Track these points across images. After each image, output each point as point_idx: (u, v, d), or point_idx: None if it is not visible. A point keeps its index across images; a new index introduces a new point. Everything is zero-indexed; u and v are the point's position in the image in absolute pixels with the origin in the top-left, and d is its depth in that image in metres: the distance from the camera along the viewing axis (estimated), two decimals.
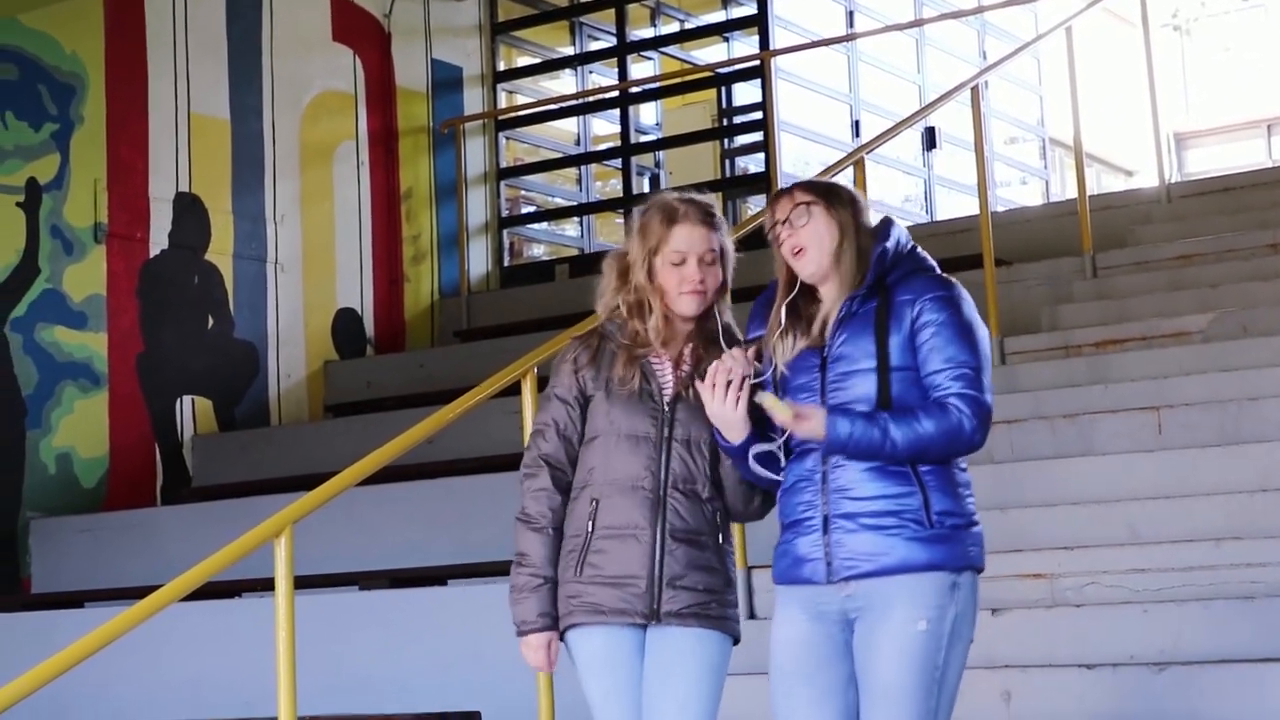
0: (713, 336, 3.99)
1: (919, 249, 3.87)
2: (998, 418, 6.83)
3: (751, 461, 3.80)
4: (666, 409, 3.94)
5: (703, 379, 3.82)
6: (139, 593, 5.21)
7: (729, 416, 3.75)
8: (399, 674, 6.49)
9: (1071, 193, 9.67)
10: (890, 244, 3.80)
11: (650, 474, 3.92)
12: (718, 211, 4.06)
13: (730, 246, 4.06)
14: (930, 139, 12.40)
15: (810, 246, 3.78)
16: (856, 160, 7.68)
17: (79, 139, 8.85)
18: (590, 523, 3.93)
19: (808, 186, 3.87)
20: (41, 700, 4.53)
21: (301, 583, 5.21)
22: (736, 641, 4.00)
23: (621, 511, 3.91)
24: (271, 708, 4.82)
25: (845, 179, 9.53)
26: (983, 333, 3.76)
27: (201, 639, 6.97)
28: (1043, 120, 14.18)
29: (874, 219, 3.87)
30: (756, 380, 3.76)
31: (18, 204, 8.57)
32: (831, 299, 3.79)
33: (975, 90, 8.28)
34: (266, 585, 5.19)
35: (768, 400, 3.68)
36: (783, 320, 3.80)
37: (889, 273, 3.78)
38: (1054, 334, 7.79)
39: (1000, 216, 9.49)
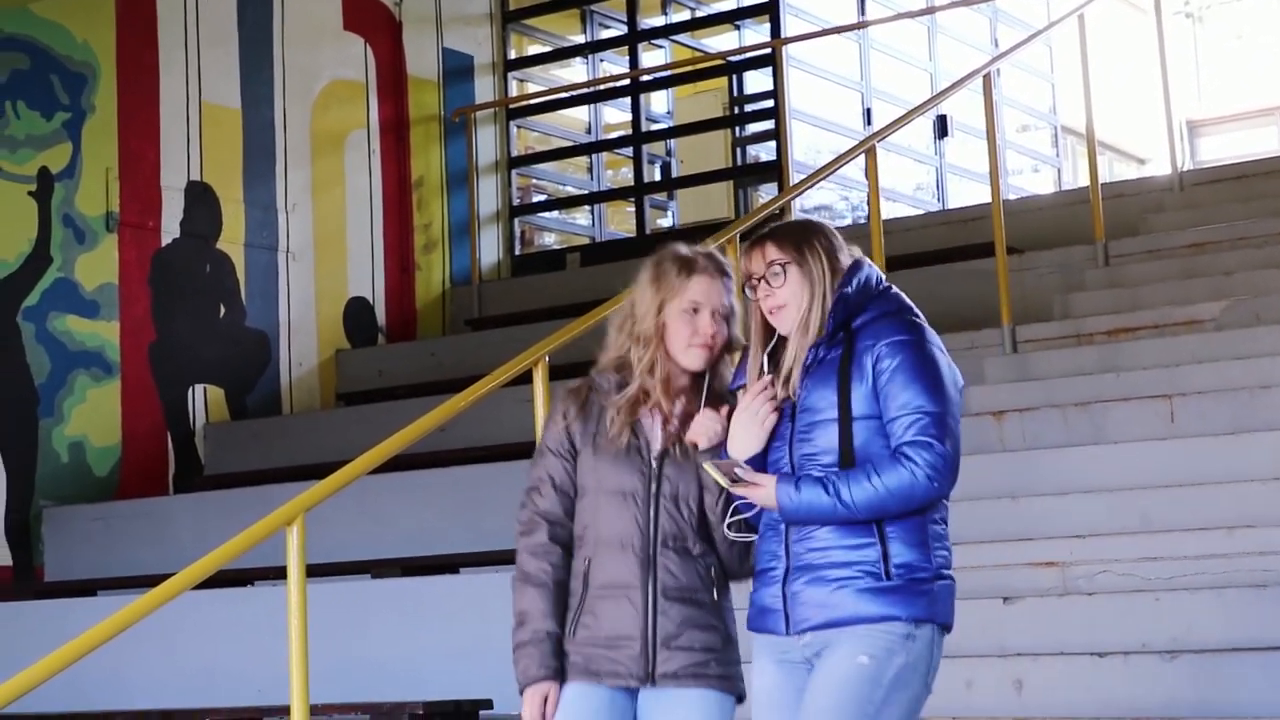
0: (710, 395, 3.89)
1: (893, 290, 3.78)
2: (1010, 406, 6.90)
3: (726, 530, 3.77)
4: (654, 464, 3.84)
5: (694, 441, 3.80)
6: (151, 581, 5.22)
7: (750, 441, 3.72)
8: (411, 661, 6.50)
9: (1083, 181, 9.66)
10: (851, 289, 3.70)
11: (639, 531, 3.80)
12: (730, 269, 3.97)
13: (738, 308, 3.96)
14: (942, 127, 12.39)
15: (789, 305, 3.72)
16: (868, 148, 7.67)
17: (90, 128, 8.86)
18: (583, 582, 3.84)
19: (781, 240, 3.77)
20: (56, 687, 4.54)
21: (314, 571, 5.22)
22: (741, 700, 3.88)
23: (612, 570, 3.81)
24: (284, 695, 4.83)
25: (857, 167, 9.54)
26: (946, 375, 3.66)
27: (214, 627, 6.98)
28: (1055, 108, 14.16)
29: (848, 258, 3.77)
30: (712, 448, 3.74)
31: (30, 193, 8.58)
32: (795, 348, 3.72)
33: (987, 78, 8.26)
34: (279, 573, 5.20)
35: (710, 469, 3.65)
36: (764, 368, 3.74)
37: (854, 317, 3.71)
38: (1066, 322, 7.78)
39: (1012, 204, 9.48)
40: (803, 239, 3.77)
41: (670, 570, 3.80)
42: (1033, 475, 6.41)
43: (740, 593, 3.86)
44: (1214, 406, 6.48)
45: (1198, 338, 7.17)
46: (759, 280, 3.76)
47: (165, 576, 4.74)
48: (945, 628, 3.64)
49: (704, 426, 3.79)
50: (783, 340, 3.76)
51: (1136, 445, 6.35)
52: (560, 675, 3.80)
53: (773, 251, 3.75)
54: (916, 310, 3.76)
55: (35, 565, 8.39)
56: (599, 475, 3.84)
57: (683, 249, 3.95)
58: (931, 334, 3.70)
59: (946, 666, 4.98)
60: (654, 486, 3.83)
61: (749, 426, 3.72)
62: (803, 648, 3.64)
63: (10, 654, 6.39)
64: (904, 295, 3.78)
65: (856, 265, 3.76)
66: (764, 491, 3.62)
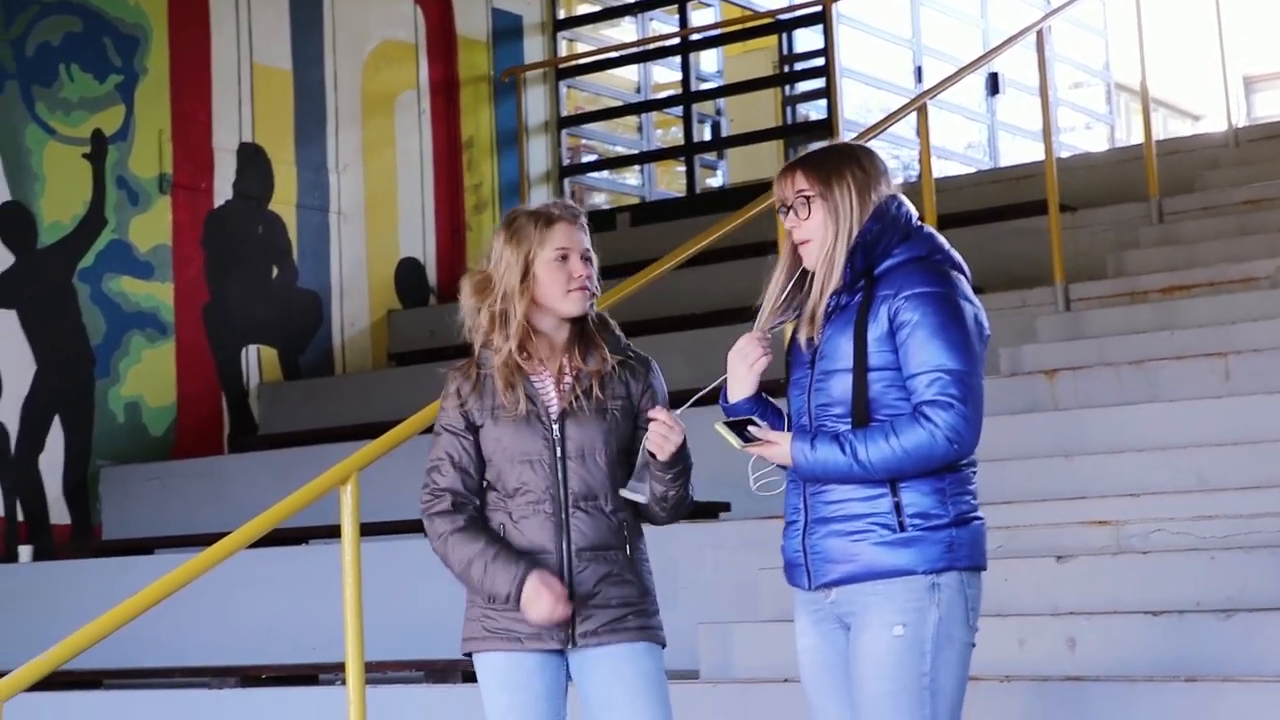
0: (592, 342, 3.89)
1: (925, 230, 3.62)
2: (1063, 364, 6.88)
3: (753, 486, 3.74)
4: (555, 427, 3.83)
5: (586, 394, 3.79)
6: (207, 539, 5.27)
7: (739, 385, 3.66)
8: (463, 620, 6.51)
9: (1137, 138, 9.59)
10: (870, 236, 3.55)
11: (549, 494, 3.81)
12: (584, 215, 4.02)
13: (594, 257, 3.99)
14: (994, 84, 12.31)
15: (814, 238, 3.60)
16: (919, 106, 7.63)
17: (143, 90, 8.90)
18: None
19: (810, 170, 3.62)
20: (114, 643, 4.60)
21: (367, 530, 5.25)
22: (664, 646, 3.89)
23: (528, 534, 3.80)
24: (339, 653, 4.87)
25: (908, 125, 9.49)
26: (971, 330, 3.52)
27: (269, 585, 7.04)
28: (1108, 64, 14.05)
29: (883, 191, 3.60)
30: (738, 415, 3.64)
31: (84, 155, 8.64)
32: (818, 290, 3.61)
33: (1040, 34, 8.20)
34: (333, 532, 5.23)
35: (720, 430, 3.59)
36: (780, 297, 3.66)
37: (878, 261, 3.56)
38: (1120, 280, 7.73)
39: (1065, 162, 9.42)
40: (833, 170, 3.61)
41: (582, 530, 3.81)
42: (1086, 434, 6.39)
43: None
44: (1270, 364, 6.43)
45: (1253, 295, 7.12)
46: (788, 209, 3.64)
47: (221, 535, 4.78)
48: (976, 569, 3.54)
49: (659, 435, 3.70)
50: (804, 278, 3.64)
51: (1191, 403, 6.31)
52: (535, 564, 3.77)
53: (800, 180, 3.62)
54: (950, 253, 3.62)
55: (93, 524, 8.47)
56: (503, 444, 3.85)
57: (532, 205, 4.01)
58: (959, 282, 3.56)
59: (998, 626, 4.99)
60: (558, 449, 3.83)
61: (737, 368, 3.66)
62: (830, 605, 3.57)
63: (69, 611, 6.45)
64: (938, 236, 3.65)
65: (885, 205, 3.59)
66: (778, 449, 3.55)
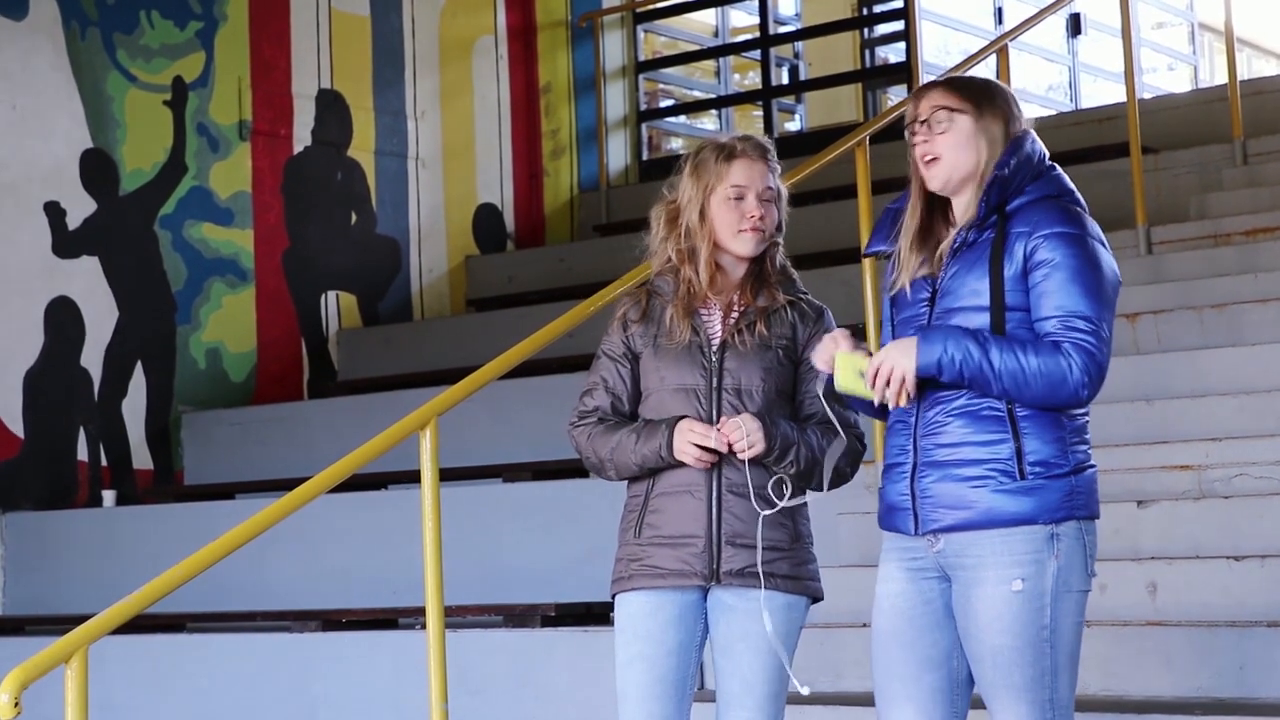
0: (766, 282, 3.85)
1: (1055, 170, 3.51)
2: (1145, 308, 6.81)
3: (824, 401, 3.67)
4: (714, 358, 3.80)
5: (749, 328, 3.76)
6: (288, 485, 5.30)
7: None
8: (542, 565, 6.56)
9: (1221, 79, 9.45)
10: (1009, 170, 3.42)
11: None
12: (773, 151, 3.92)
13: (784, 190, 3.91)
14: (1075, 25, 12.17)
15: (945, 156, 3.45)
16: (999, 48, 7.55)
17: (223, 37, 8.93)
18: (650, 482, 3.83)
19: (957, 87, 3.50)
20: (197, 587, 4.64)
21: (446, 475, 5.27)
22: (817, 599, 3.84)
23: (676, 469, 3.78)
24: (419, 597, 4.90)
25: (988, 68, 9.41)
26: (1109, 276, 3.41)
27: (350, 530, 7.09)
28: (1192, 4, 13.85)
29: (1020, 128, 3.50)
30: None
31: (164, 102, 8.69)
32: (962, 214, 3.47)
33: None
34: (412, 477, 5.26)
35: (832, 396, 3.51)
36: (912, 235, 3.52)
37: (1011, 198, 3.44)
38: (1203, 223, 7.64)
39: (1147, 104, 9.30)
40: (983, 93, 3.50)
41: (735, 465, 3.75)
42: (1167, 378, 6.33)
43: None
44: None
45: None
46: (922, 123, 3.49)
47: (301, 480, 4.82)
48: (1093, 517, 3.46)
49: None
50: (942, 205, 3.52)
51: (1274, 347, 6.24)
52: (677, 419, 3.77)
53: (944, 96, 3.48)
54: (1079, 196, 3.52)
55: (175, 469, 8.56)
56: (662, 374, 3.83)
57: (721, 137, 3.93)
58: (1094, 225, 3.45)
59: None
60: (715, 380, 3.79)
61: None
62: (935, 554, 3.45)
63: (152, 555, 6.54)
64: (1065, 177, 3.54)
65: (1019, 140, 3.49)
66: (898, 352, 3.37)
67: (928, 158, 3.49)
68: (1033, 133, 3.54)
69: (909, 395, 3.40)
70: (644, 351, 3.87)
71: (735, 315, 3.85)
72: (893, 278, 3.60)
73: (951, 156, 3.47)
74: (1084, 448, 3.47)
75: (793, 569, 3.78)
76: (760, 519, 3.74)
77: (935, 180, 3.49)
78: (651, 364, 3.86)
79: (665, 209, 3.95)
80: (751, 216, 3.82)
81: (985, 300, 3.41)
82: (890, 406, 3.45)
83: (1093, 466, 3.48)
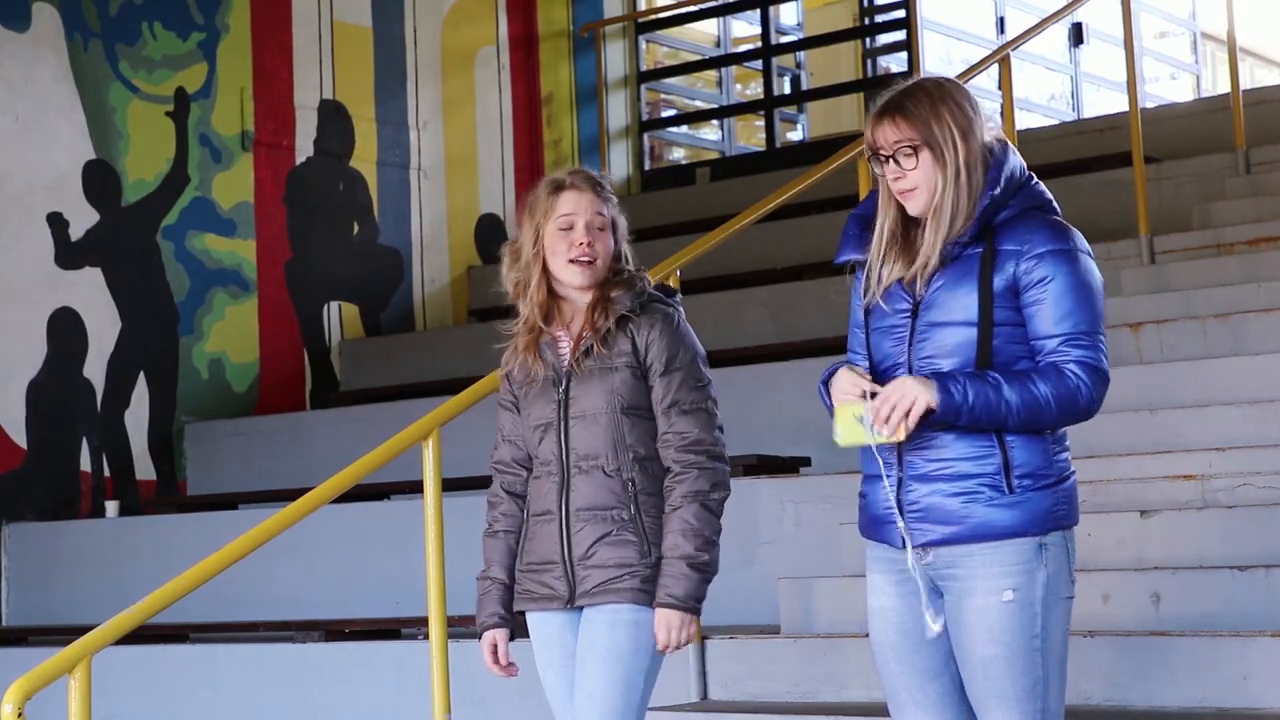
0: (606, 304, 3.88)
1: (1034, 181, 3.51)
2: (1148, 317, 6.81)
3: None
4: (562, 389, 3.88)
5: (587, 353, 3.81)
6: (291, 495, 5.31)
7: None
8: None
9: (1223, 88, 9.46)
10: (999, 190, 3.43)
11: (555, 457, 3.88)
12: (608, 183, 4.01)
13: (623, 221, 3.98)
14: (1078, 34, 12.17)
15: (921, 186, 3.45)
16: (1001, 57, 7.56)
17: (225, 48, 8.94)
18: (527, 511, 3.98)
19: (908, 117, 3.46)
20: (200, 597, 4.64)
21: (449, 485, 5.27)
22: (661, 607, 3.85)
23: (540, 497, 3.92)
24: (421, 607, 4.90)
25: (990, 77, 9.40)
26: (1099, 287, 3.43)
27: (352, 540, 7.09)
28: (1194, 14, 13.85)
29: (983, 128, 3.48)
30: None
31: (167, 113, 8.70)
32: (932, 238, 3.44)
33: None
34: (415, 488, 5.26)
35: (843, 433, 3.40)
36: (883, 248, 3.50)
37: (997, 212, 3.44)
38: (1205, 232, 7.64)
39: (1150, 113, 9.31)
40: (933, 114, 3.47)
41: (581, 490, 3.86)
42: (1171, 387, 6.32)
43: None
44: None
45: None
46: (887, 158, 3.50)
47: (304, 490, 4.82)
48: (1074, 525, 3.47)
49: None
50: (907, 217, 3.50)
51: (1278, 356, 6.23)
52: (508, 623, 3.96)
53: (900, 129, 3.47)
54: (1057, 206, 3.54)
55: (178, 479, 8.56)
56: (528, 411, 3.96)
57: (554, 174, 4.02)
58: (1078, 236, 3.47)
59: (1083, 581, 4.94)
60: (563, 410, 3.88)
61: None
62: (924, 566, 3.45)
63: (155, 565, 6.54)
64: (1043, 186, 3.55)
65: (1000, 156, 3.49)
66: (904, 389, 3.33)
67: (904, 191, 3.48)
68: (1010, 144, 3.55)
69: (908, 429, 3.38)
70: (520, 392, 3.99)
71: (587, 340, 3.89)
72: (866, 286, 3.57)
73: (928, 185, 3.46)
74: (1065, 455, 3.49)
75: (641, 584, 3.83)
76: (603, 539, 3.84)
77: (917, 208, 3.49)
78: (523, 404, 3.97)
79: (510, 249, 4.06)
80: (580, 244, 3.88)
81: (974, 315, 3.42)
82: (885, 437, 3.39)
83: (1073, 474, 3.50)
